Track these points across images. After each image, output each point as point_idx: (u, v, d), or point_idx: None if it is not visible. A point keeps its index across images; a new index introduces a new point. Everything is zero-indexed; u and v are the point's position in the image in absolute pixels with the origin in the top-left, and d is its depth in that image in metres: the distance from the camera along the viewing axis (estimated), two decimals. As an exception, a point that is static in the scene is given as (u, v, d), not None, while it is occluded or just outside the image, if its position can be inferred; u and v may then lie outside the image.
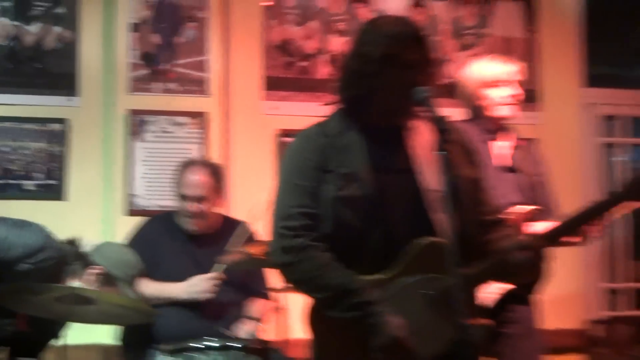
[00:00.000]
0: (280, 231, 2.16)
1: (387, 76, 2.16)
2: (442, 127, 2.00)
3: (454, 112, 3.17)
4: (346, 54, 2.28)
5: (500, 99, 3.12)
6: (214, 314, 3.41)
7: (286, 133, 4.02)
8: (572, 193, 4.49)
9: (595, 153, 4.76)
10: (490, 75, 3.13)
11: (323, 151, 2.20)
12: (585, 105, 4.73)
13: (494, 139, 3.22)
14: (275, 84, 4.18)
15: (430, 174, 2.17)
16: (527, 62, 4.55)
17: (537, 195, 3.22)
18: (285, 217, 2.17)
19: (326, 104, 2.32)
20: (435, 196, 2.14)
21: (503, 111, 3.13)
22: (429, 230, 2.13)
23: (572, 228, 2.27)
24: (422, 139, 2.23)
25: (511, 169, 3.24)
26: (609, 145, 4.85)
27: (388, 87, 2.17)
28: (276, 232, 2.18)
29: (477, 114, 3.23)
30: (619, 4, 5.53)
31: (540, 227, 3.00)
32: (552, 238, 2.21)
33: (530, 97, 4.54)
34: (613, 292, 4.78)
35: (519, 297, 3.05)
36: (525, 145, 3.33)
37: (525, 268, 2.14)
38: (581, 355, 4.48)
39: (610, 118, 4.84)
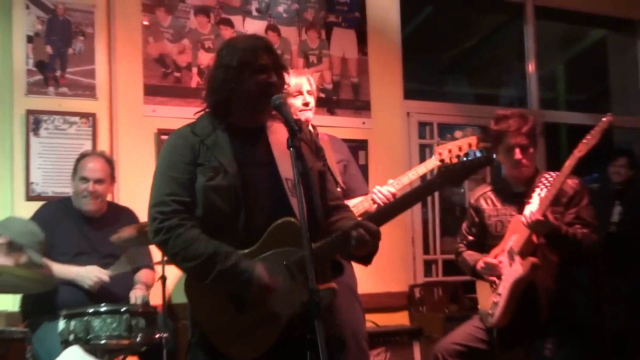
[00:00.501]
0: (154, 215, 2.25)
1: (245, 80, 2.29)
2: (294, 128, 2.15)
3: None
4: (211, 66, 2.40)
5: (299, 106, 3.38)
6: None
7: (164, 132, 4.21)
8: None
9: (414, 152, 5.19)
10: (292, 88, 3.35)
11: (193, 148, 2.29)
12: (405, 114, 5.18)
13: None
14: (153, 91, 4.32)
15: (285, 166, 2.29)
16: (360, 78, 4.99)
17: (344, 178, 3.49)
18: (159, 203, 2.25)
19: (196, 113, 2.44)
20: (290, 184, 2.28)
21: (303, 116, 3.36)
22: (285, 213, 2.25)
23: (400, 208, 2.35)
24: (278, 138, 2.36)
25: None
26: (424, 146, 5.32)
27: (246, 89, 2.29)
28: (152, 216, 2.26)
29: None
30: (429, 35, 6.31)
31: (352, 203, 3.38)
32: (383, 217, 2.29)
33: (363, 107, 4.99)
34: (428, 262, 5.23)
35: (335, 268, 3.39)
36: (327, 139, 3.55)
37: (364, 241, 2.21)
38: (404, 312, 4.89)
39: (424, 124, 5.32)
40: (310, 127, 3.39)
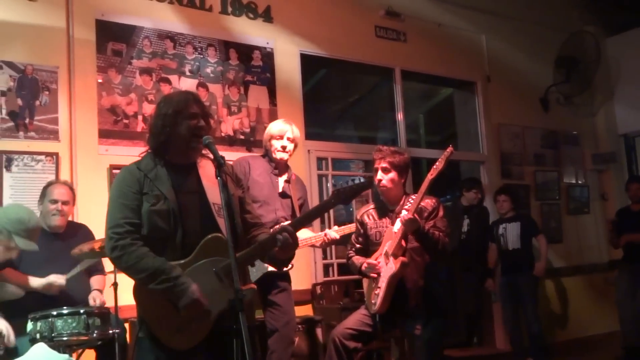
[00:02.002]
0: (111, 235, 2.20)
1: (178, 125, 2.27)
2: (220, 161, 2.14)
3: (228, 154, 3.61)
4: (152, 115, 2.40)
5: (278, 147, 3.53)
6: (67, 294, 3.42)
7: (115, 167, 4.17)
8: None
9: (314, 180, 5.19)
10: (275, 132, 3.51)
11: (139, 180, 2.27)
12: (307, 151, 5.18)
13: (277, 174, 3.54)
14: (106, 134, 4.26)
15: (212, 194, 2.29)
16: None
17: (301, 212, 3.60)
18: (114, 226, 2.21)
19: (141, 154, 2.41)
20: (216, 208, 2.28)
21: (278, 155, 3.53)
22: (213, 230, 2.24)
23: (306, 221, 2.44)
24: (206, 171, 2.36)
25: (284, 195, 3.58)
26: (321, 176, 5.35)
27: (180, 132, 2.28)
28: (108, 236, 2.21)
29: (268, 155, 3.57)
30: (323, 91, 6.41)
31: (302, 233, 3.48)
32: (296, 228, 2.32)
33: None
34: (326, 265, 5.21)
35: (284, 277, 3.48)
36: (294, 179, 3.66)
37: (285, 246, 2.23)
38: (309, 305, 4.87)
39: (321, 159, 5.36)
40: (289, 168, 3.58)
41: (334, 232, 3.63)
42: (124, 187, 2.25)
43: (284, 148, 3.49)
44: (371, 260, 3.49)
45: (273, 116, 5.00)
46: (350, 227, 3.72)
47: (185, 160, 2.34)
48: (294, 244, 2.25)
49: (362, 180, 2.33)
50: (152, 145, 2.33)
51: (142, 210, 2.22)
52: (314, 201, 4.87)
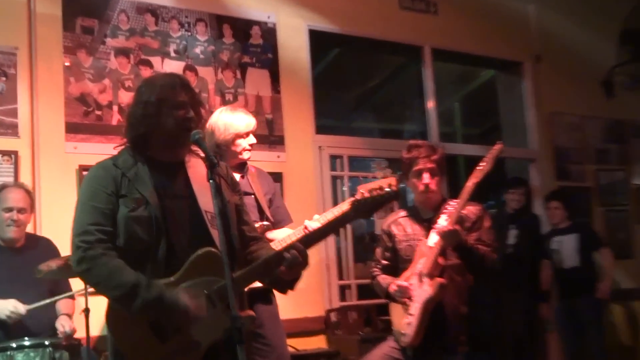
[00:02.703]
0: (78, 244, 2.20)
1: (163, 115, 2.29)
2: (213, 161, 2.15)
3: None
4: (131, 103, 2.41)
5: (247, 146, 3.41)
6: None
7: (85, 168, 4.14)
8: (310, 212, 5.05)
9: (327, 183, 5.25)
10: (242, 128, 3.37)
11: (115, 180, 2.27)
12: (317, 148, 5.26)
13: (238, 173, 3.44)
14: (75, 129, 4.30)
15: (204, 199, 2.29)
16: (273, 114, 5.04)
17: (271, 210, 3.49)
18: (82, 232, 2.21)
19: (117, 146, 2.43)
20: (209, 217, 2.28)
21: (246, 155, 3.44)
22: (205, 243, 2.24)
23: (318, 236, 2.46)
24: (197, 172, 2.37)
25: (247, 193, 3.43)
26: (336, 177, 5.41)
27: (164, 124, 2.29)
28: (75, 245, 2.21)
29: (225, 155, 3.40)
30: (337, 74, 6.45)
31: (280, 234, 3.42)
32: (308, 243, 2.34)
33: (277, 141, 5.04)
34: (343, 287, 5.25)
35: (264, 297, 3.28)
36: (255, 171, 3.56)
37: (297, 262, 2.25)
38: (321, 336, 4.88)
39: (335, 157, 5.41)
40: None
41: (315, 222, 3.34)
42: (96, 187, 2.27)
43: (252, 146, 3.47)
44: (401, 282, 3.49)
45: (276, 105, 5.11)
46: (341, 208, 3.34)
47: (171, 157, 2.38)
48: (303, 262, 2.27)
49: (388, 188, 2.37)
50: (130, 137, 2.36)
51: (118, 216, 2.24)
52: (322, 209, 4.90)
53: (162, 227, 2.24)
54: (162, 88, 2.32)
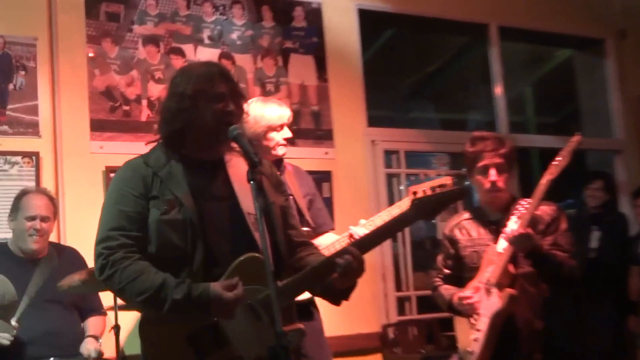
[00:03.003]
0: (100, 251, 2.24)
1: (200, 109, 2.30)
2: (254, 160, 2.16)
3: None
4: (164, 95, 2.44)
5: (281, 140, 3.40)
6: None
7: (112, 170, 4.13)
8: (362, 215, 5.09)
9: (381, 181, 5.23)
10: (274, 119, 3.39)
11: (145, 180, 2.31)
12: (370, 142, 5.24)
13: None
14: (101, 126, 4.33)
15: (247, 201, 2.30)
16: (320, 105, 5.05)
17: (311, 213, 3.49)
18: (105, 238, 2.25)
19: (148, 142, 2.47)
20: (252, 219, 2.30)
21: (281, 151, 3.41)
22: (248, 248, 2.25)
23: (376, 239, 2.41)
24: (238, 171, 2.38)
25: None
26: (391, 175, 5.37)
27: (202, 118, 2.31)
28: (97, 252, 2.26)
29: (260, 153, 3.48)
30: (391, 59, 6.42)
31: (324, 240, 3.42)
32: (363, 248, 2.31)
33: (325, 136, 5.03)
34: (401, 299, 5.23)
35: (305, 312, 3.22)
36: (292, 170, 3.57)
37: (348, 272, 2.23)
38: (377, 355, 4.86)
39: (390, 152, 5.37)
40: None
41: (361, 228, 3.42)
42: (124, 188, 2.31)
43: (287, 141, 3.46)
44: (466, 293, 3.42)
45: (323, 95, 5.12)
46: (399, 207, 3.46)
47: (210, 155, 2.40)
48: (359, 268, 2.26)
49: (451, 187, 2.33)
50: (164, 134, 2.38)
51: (149, 220, 2.27)
52: (375, 212, 4.86)
53: (199, 232, 2.26)
54: (198, 78, 2.33)
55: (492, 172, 3.41)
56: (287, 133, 3.43)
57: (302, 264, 2.41)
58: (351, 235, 3.40)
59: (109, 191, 2.38)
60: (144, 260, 2.23)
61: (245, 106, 2.44)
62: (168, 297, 2.16)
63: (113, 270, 2.22)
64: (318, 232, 3.48)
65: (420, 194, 2.33)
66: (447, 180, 3.25)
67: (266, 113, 3.40)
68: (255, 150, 3.23)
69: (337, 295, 2.43)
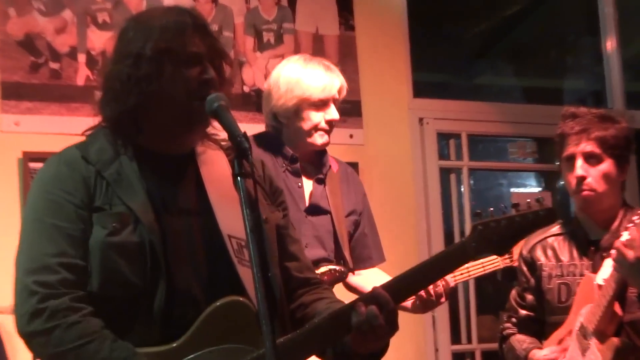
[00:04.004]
0: (31, 287, 2.18)
1: (165, 77, 2.30)
2: (242, 150, 2.11)
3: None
4: (110, 58, 2.42)
5: (322, 124, 3.43)
6: None
7: (34, 157, 4.28)
8: (406, 229, 5.03)
9: (432, 178, 5.27)
10: (317, 90, 3.42)
11: (87, 182, 2.29)
12: (417, 121, 5.29)
13: (298, 172, 3.52)
14: (16, 92, 4.39)
15: (226, 216, 2.33)
16: (343, 66, 4.76)
17: (353, 241, 3.57)
18: (37, 269, 2.21)
19: (88, 129, 2.42)
20: (235, 245, 2.32)
21: (320, 140, 3.46)
22: (227, 288, 2.28)
23: (421, 282, 2.44)
24: (214, 171, 2.42)
25: (314, 209, 3.53)
26: (447, 170, 5.42)
27: (167, 91, 2.31)
28: (24, 289, 2.20)
29: (285, 137, 3.51)
30: (450, 0, 6.41)
31: (369, 278, 3.46)
32: (400, 291, 2.32)
33: (349, 111, 5.00)
34: (460, 355, 5.32)
35: None
36: (338, 172, 3.64)
37: (371, 330, 2.20)
38: None
39: (446, 136, 5.42)
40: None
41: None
42: (59, 192, 2.28)
43: (331, 125, 3.49)
44: (550, 352, 3.43)
45: (348, 51, 5.19)
46: (492, 262, 3.62)
47: (176, 147, 2.41)
48: (388, 327, 2.23)
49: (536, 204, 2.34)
50: (111, 115, 2.35)
51: (91, 242, 2.25)
52: (432, 229, 4.84)
53: (162, 262, 2.25)
54: (163, 32, 2.32)
55: (579, 163, 3.42)
56: (332, 113, 3.46)
57: (306, 314, 2.44)
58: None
59: (34, 196, 2.34)
60: (96, 319, 2.20)
61: (228, 70, 2.44)
62: None
63: (53, 324, 2.16)
64: (359, 267, 3.54)
65: (486, 216, 2.37)
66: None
67: (304, 78, 3.43)
68: (279, 133, 3.39)
69: None
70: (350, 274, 3.48)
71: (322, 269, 3.40)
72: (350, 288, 3.46)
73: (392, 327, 2.24)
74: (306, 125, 3.41)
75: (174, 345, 2.23)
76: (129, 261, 2.24)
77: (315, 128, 3.43)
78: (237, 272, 2.27)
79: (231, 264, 2.28)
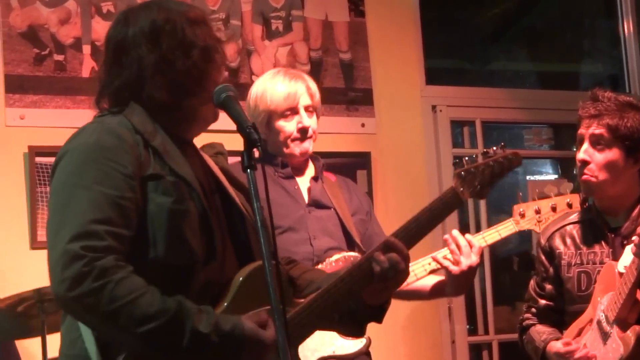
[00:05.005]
0: (77, 252, 2.17)
1: (209, 82, 2.42)
2: (252, 141, 2.19)
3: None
4: (152, 39, 2.43)
5: (294, 132, 3.46)
6: None
7: (40, 151, 4.32)
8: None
9: (446, 168, 5.28)
10: (279, 99, 3.45)
11: (136, 152, 2.33)
12: (430, 108, 5.33)
13: (291, 174, 3.58)
14: (20, 85, 4.41)
15: (237, 196, 2.50)
16: (354, 54, 5.08)
17: (363, 241, 3.59)
18: (83, 235, 2.19)
19: (99, 113, 2.46)
20: (249, 221, 2.47)
21: (297, 148, 3.47)
22: (248, 256, 2.44)
23: (424, 229, 2.56)
24: (208, 158, 2.59)
25: (318, 204, 3.58)
26: (461, 158, 5.52)
27: (206, 92, 2.41)
28: (67, 254, 2.18)
29: (274, 149, 3.54)
30: None
31: None
32: (408, 239, 2.48)
33: (361, 99, 5.05)
34: (477, 346, 5.33)
35: None
36: (336, 182, 3.68)
37: (392, 275, 2.37)
38: None
39: (460, 123, 5.44)
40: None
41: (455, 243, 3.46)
42: (104, 161, 2.29)
43: (304, 133, 3.48)
44: (567, 343, 3.42)
45: (359, 38, 5.18)
46: (499, 232, 3.59)
47: (189, 134, 2.54)
48: (405, 271, 2.43)
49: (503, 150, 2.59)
50: (160, 98, 2.44)
51: (153, 210, 2.31)
52: (447, 219, 4.90)
53: (215, 234, 2.37)
54: (172, 32, 2.41)
55: (584, 147, 3.43)
56: (304, 121, 3.46)
57: (299, 285, 2.57)
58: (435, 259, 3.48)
59: (76, 163, 2.33)
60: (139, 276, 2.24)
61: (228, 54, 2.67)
62: (187, 329, 2.19)
63: (103, 281, 2.16)
64: None
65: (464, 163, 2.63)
66: (574, 198, 3.43)
67: (267, 91, 3.47)
68: (254, 124, 3.34)
69: (366, 318, 2.60)
70: None
71: (336, 257, 3.43)
72: None
73: (407, 271, 2.45)
74: (280, 137, 3.45)
75: (225, 305, 2.34)
76: (193, 230, 2.32)
77: (290, 138, 3.45)
78: (253, 245, 2.46)
79: (248, 237, 2.48)
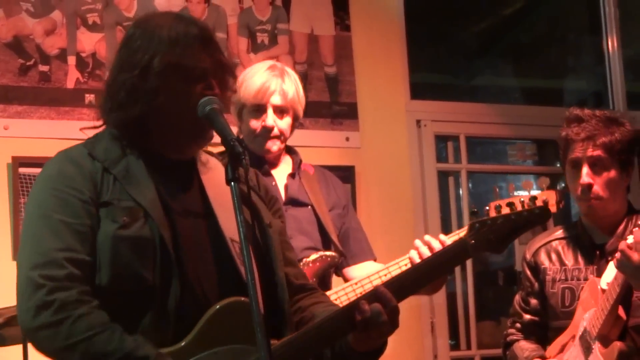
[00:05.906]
0: (37, 281, 2.19)
1: (170, 93, 2.36)
2: (236, 154, 2.15)
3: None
4: (115, 63, 2.45)
5: (262, 130, 3.42)
6: None
7: (24, 162, 4.30)
8: (401, 234, 4.93)
9: (430, 182, 5.31)
10: (250, 94, 3.42)
11: (94, 178, 2.33)
12: (414, 123, 5.31)
13: (267, 169, 3.51)
14: (5, 95, 4.40)
15: (228, 221, 2.37)
16: (339, 67, 5.08)
17: (341, 235, 3.58)
18: (45, 264, 2.21)
19: (85, 128, 2.50)
20: (237, 248, 2.37)
21: (270, 145, 3.43)
22: (234, 289, 2.32)
23: (422, 280, 2.47)
24: (215, 177, 2.49)
25: (294, 201, 3.54)
26: (446, 173, 5.43)
27: (171, 106, 2.37)
28: (29, 283, 2.21)
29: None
30: None
31: (361, 271, 3.48)
32: (402, 288, 2.37)
33: (345, 113, 5.05)
34: None
35: None
36: (313, 173, 3.64)
37: (379, 323, 2.26)
38: None
39: (444, 138, 5.42)
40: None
41: (428, 246, 3.32)
42: (64, 189, 2.32)
43: (269, 132, 3.45)
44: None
45: (344, 52, 5.17)
46: (457, 235, 3.45)
47: (179, 154, 2.49)
48: (390, 323, 2.30)
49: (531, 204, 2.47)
50: (115, 123, 2.43)
51: (100, 236, 2.29)
52: (430, 233, 4.86)
53: (173, 259, 2.30)
54: (172, 46, 2.37)
55: (585, 171, 3.43)
56: (267, 120, 3.42)
57: (303, 318, 2.48)
58: (412, 259, 3.36)
59: (39, 192, 2.37)
60: (102, 311, 2.22)
61: (232, 83, 2.50)
62: None
63: (62, 316, 2.18)
64: (349, 263, 3.56)
65: (481, 215, 2.50)
66: (551, 195, 3.36)
67: (244, 84, 3.45)
68: (239, 137, 3.26)
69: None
70: (346, 266, 3.52)
71: (313, 257, 3.40)
72: (348, 281, 3.46)
73: (394, 324, 2.30)
74: (247, 132, 3.44)
75: (180, 345, 2.26)
76: (140, 255, 2.28)
77: (254, 134, 3.43)
78: (240, 274, 2.30)
79: (234, 264, 2.35)
